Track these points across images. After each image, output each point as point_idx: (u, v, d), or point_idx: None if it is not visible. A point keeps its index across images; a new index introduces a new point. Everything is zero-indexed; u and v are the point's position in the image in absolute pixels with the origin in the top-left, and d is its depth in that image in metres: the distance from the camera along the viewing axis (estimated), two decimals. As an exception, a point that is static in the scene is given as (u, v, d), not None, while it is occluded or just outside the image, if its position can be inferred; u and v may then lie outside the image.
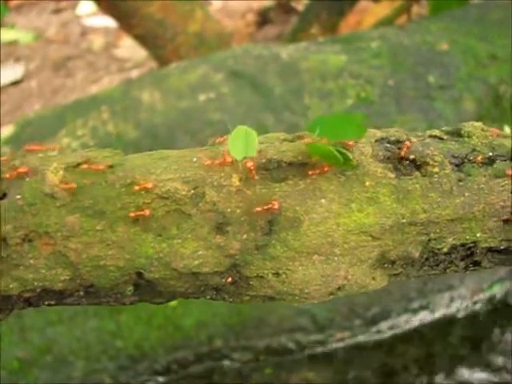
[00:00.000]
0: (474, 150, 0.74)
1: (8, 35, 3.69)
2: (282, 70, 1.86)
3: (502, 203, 0.71)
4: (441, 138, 0.75)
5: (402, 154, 0.72)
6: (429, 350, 1.76)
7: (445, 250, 0.72)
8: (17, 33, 3.78)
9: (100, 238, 0.67)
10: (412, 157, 0.71)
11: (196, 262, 0.67)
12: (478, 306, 1.78)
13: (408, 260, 0.71)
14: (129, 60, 3.49)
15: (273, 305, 1.66)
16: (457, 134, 0.76)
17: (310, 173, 0.69)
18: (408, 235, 0.70)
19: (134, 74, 3.35)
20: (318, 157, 0.69)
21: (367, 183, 0.69)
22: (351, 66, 1.86)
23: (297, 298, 0.69)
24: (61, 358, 1.62)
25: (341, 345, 1.70)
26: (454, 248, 0.73)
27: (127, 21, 2.49)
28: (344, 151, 0.68)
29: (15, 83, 3.42)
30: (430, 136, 0.75)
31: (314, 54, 1.91)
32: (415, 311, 1.74)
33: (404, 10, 2.76)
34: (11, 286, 0.68)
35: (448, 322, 1.77)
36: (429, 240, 0.71)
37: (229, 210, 0.67)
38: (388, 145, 0.72)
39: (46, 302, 0.71)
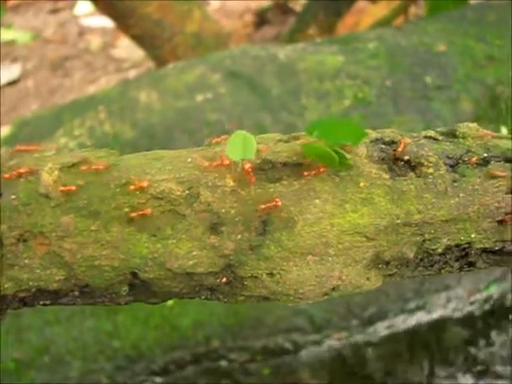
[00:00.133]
0: (468, 150, 0.74)
1: (5, 35, 3.68)
2: (280, 71, 1.86)
3: (496, 204, 0.72)
4: (436, 139, 0.75)
5: (399, 150, 0.72)
6: (426, 350, 1.76)
7: (439, 250, 0.72)
8: (14, 33, 3.78)
9: (95, 238, 0.67)
10: (407, 158, 0.72)
11: (190, 263, 0.67)
12: (474, 307, 1.78)
13: (402, 261, 0.72)
14: (126, 60, 3.49)
15: (270, 305, 1.66)
16: (452, 134, 0.76)
17: (306, 173, 0.69)
18: (402, 236, 0.70)
19: (132, 74, 3.35)
20: (313, 158, 0.69)
21: (362, 184, 0.69)
22: (348, 67, 1.86)
23: (291, 298, 0.69)
24: (58, 358, 1.62)
25: (338, 345, 1.70)
26: (448, 249, 0.73)
27: (124, 21, 2.49)
28: (340, 151, 0.68)
29: (12, 83, 3.42)
30: (425, 137, 0.75)
31: (311, 55, 1.91)
32: (412, 311, 1.75)
33: (401, 11, 2.76)
34: (6, 285, 0.68)
35: (445, 323, 1.77)
36: (423, 241, 0.71)
37: (223, 210, 0.67)
38: (383, 146, 0.72)
39: (41, 302, 0.71)
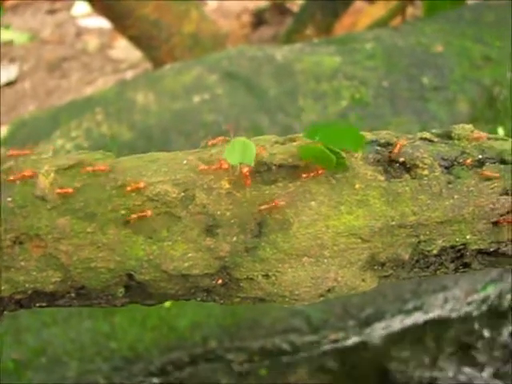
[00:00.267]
0: (463, 152, 0.74)
1: (3, 35, 3.68)
2: (277, 72, 1.86)
3: (491, 205, 0.72)
4: (431, 141, 0.75)
5: (395, 151, 0.72)
6: (422, 350, 1.77)
7: (435, 252, 0.72)
8: (12, 33, 3.78)
9: (91, 241, 0.67)
10: (402, 159, 0.72)
11: (186, 264, 0.67)
12: (471, 307, 1.78)
13: (398, 262, 0.72)
14: (124, 61, 3.49)
15: (267, 306, 1.66)
16: (447, 136, 0.76)
17: (304, 175, 0.69)
18: (398, 237, 0.70)
19: (129, 75, 3.35)
20: (310, 159, 0.69)
21: (357, 186, 0.70)
22: (345, 68, 1.86)
23: (287, 299, 0.69)
24: (55, 359, 1.62)
25: (335, 346, 1.71)
26: (443, 250, 0.73)
27: (122, 22, 2.49)
28: (337, 151, 0.68)
29: (9, 84, 3.41)
30: (421, 138, 0.75)
31: (308, 56, 1.91)
32: (409, 312, 1.75)
33: (399, 12, 2.76)
34: (2, 287, 0.68)
35: (442, 323, 1.77)
36: (418, 242, 0.71)
37: (219, 212, 0.68)
38: (378, 147, 0.73)
39: (38, 304, 0.71)
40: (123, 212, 0.67)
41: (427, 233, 0.71)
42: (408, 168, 0.72)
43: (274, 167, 0.70)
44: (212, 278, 0.69)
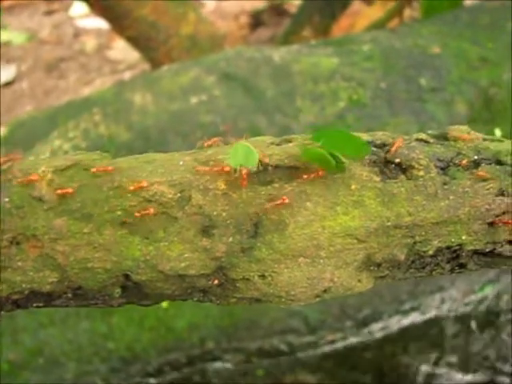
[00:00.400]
0: (459, 153, 0.74)
1: (0, 36, 3.68)
2: (274, 73, 1.87)
3: (486, 206, 0.72)
4: (427, 142, 0.75)
5: (393, 149, 0.72)
6: (420, 351, 1.77)
7: (430, 252, 0.73)
8: (9, 34, 3.78)
9: (87, 241, 0.67)
10: (398, 160, 0.72)
11: (182, 265, 0.68)
12: (469, 308, 1.79)
13: (394, 262, 0.72)
14: (121, 62, 3.49)
15: (264, 307, 1.66)
16: (443, 137, 0.77)
17: (305, 176, 0.70)
18: (393, 238, 0.71)
19: (127, 75, 3.35)
20: (310, 160, 0.70)
21: (353, 186, 0.70)
22: (343, 69, 1.86)
23: (283, 300, 0.70)
24: (52, 360, 1.62)
25: (332, 346, 1.71)
26: (439, 251, 0.73)
27: (120, 23, 2.50)
28: (337, 154, 0.69)
29: (7, 84, 3.41)
30: (417, 139, 0.75)
31: (306, 57, 1.91)
32: (406, 313, 1.75)
33: (396, 13, 2.77)
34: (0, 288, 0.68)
35: (439, 323, 1.78)
36: (414, 243, 0.72)
37: (215, 213, 0.68)
38: (374, 148, 0.73)
39: (35, 304, 0.72)
40: (120, 213, 0.68)
41: (423, 233, 0.71)
42: (404, 169, 0.72)
43: (270, 168, 0.70)
44: (208, 279, 0.69)
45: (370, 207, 0.70)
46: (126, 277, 0.69)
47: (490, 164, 0.74)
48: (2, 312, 0.72)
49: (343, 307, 1.71)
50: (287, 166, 0.70)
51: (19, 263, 0.67)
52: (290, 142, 0.74)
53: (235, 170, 0.69)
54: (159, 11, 2.47)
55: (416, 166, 0.72)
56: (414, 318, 1.75)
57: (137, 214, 0.67)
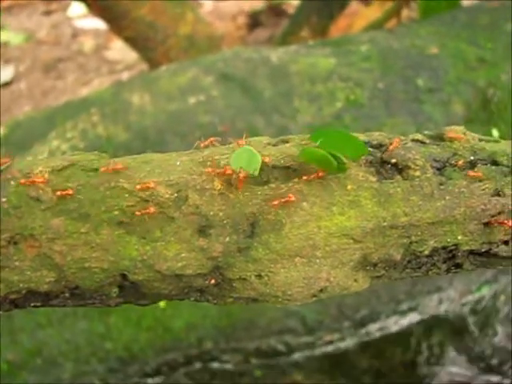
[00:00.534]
0: (455, 153, 0.75)
1: (0, 36, 3.68)
2: (272, 73, 1.87)
3: (482, 206, 0.72)
4: (423, 142, 0.75)
5: (391, 148, 0.72)
6: (418, 351, 1.77)
7: (426, 252, 0.73)
8: (7, 34, 3.78)
9: (84, 241, 0.67)
10: (394, 161, 0.72)
11: (179, 265, 0.68)
12: (466, 308, 1.79)
13: (390, 262, 0.72)
14: (119, 62, 3.49)
15: (262, 307, 1.66)
16: (439, 138, 0.77)
17: (305, 177, 0.70)
18: (389, 238, 0.71)
19: (125, 76, 3.35)
20: (310, 161, 0.70)
21: (349, 187, 0.70)
22: (341, 69, 1.87)
23: (279, 299, 0.70)
24: (50, 360, 1.62)
25: (330, 346, 1.71)
26: (435, 251, 0.73)
27: (118, 23, 2.50)
28: (338, 155, 0.69)
29: (5, 85, 3.41)
30: (413, 140, 0.76)
31: (303, 57, 1.91)
32: (404, 313, 1.75)
33: (394, 14, 2.77)
34: (-3, 287, 0.68)
35: (437, 323, 1.78)
36: (410, 243, 0.72)
37: (211, 213, 0.68)
38: (370, 149, 0.73)
39: (32, 304, 0.72)
40: (117, 213, 0.68)
41: (419, 233, 0.71)
42: (400, 169, 0.73)
43: (266, 168, 0.70)
44: (205, 278, 0.69)
45: (366, 207, 0.70)
46: (123, 276, 0.69)
47: (486, 164, 0.74)
48: (1, 312, 0.72)
49: (341, 307, 1.71)
50: (284, 166, 0.71)
51: (17, 263, 0.68)
52: (287, 142, 0.74)
53: (235, 172, 0.69)
54: (157, 11, 2.47)
55: (412, 166, 0.72)
56: (412, 318, 1.75)
57: (137, 213, 0.67)
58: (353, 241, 0.70)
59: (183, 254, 0.68)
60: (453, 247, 0.74)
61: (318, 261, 0.69)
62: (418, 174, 0.72)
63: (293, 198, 0.68)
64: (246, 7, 3.67)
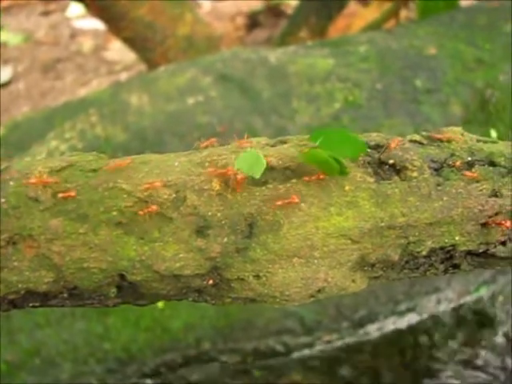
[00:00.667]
0: (453, 154, 0.75)
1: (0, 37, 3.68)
2: (270, 74, 1.87)
3: (479, 207, 0.73)
4: (421, 143, 0.76)
5: (391, 147, 0.73)
6: (415, 351, 1.77)
7: (424, 253, 0.73)
8: (6, 34, 3.78)
9: (83, 241, 0.68)
10: (391, 161, 0.73)
11: (177, 265, 0.68)
12: (464, 308, 1.79)
13: (388, 263, 0.72)
14: (118, 63, 3.49)
15: (260, 307, 1.67)
16: (430, 139, 0.77)
17: (306, 179, 0.70)
18: (387, 238, 0.71)
19: (123, 76, 3.35)
20: (311, 163, 0.70)
21: (347, 187, 0.70)
22: (339, 70, 1.87)
23: (277, 300, 0.70)
24: (48, 360, 1.62)
25: (328, 347, 1.71)
26: (433, 251, 0.74)
27: (116, 23, 2.50)
28: (340, 159, 0.69)
29: (3, 85, 3.41)
30: (410, 141, 0.76)
31: (302, 58, 1.91)
32: (402, 313, 1.75)
33: (392, 14, 2.78)
34: (-5, 288, 0.68)
35: (435, 324, 1.78)
36: (408, 243, 0.72)
37: (210, 213, 0.68)
38: (368, 149, 0.73)
39: (31, 304, 0.72)
40: (115, 213, 0.68)
41: (416, 234, 0.72)
42: (397, 170, 0.73)
43: (264, 169, 0.70)
44: (203, 279, 0.69)
45: (363, 208, 0.70)
46: (122, 277, 0.69)
47: (484, 165, 0.75)
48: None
49: (339, 308, 1.71)
50: (282, 167, 0.71)
51: (15, 263, 0.68)
52: (285, 143, 0.74)
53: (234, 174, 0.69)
54: (156, 12, 2.47)
55: (410, 167, 0.72)
56: (410, 318, 1.75)
57: (141, 213, 0.68)
58: (351, 241, 0.70)
59: (181, 255, 0.68)
60: (450, 248, 0.74)
61: (315, 261, 0.69)
62: (415, 174, 0.72)
63: (296, 200, 0.68)
64: (245, 8, 3.67)
